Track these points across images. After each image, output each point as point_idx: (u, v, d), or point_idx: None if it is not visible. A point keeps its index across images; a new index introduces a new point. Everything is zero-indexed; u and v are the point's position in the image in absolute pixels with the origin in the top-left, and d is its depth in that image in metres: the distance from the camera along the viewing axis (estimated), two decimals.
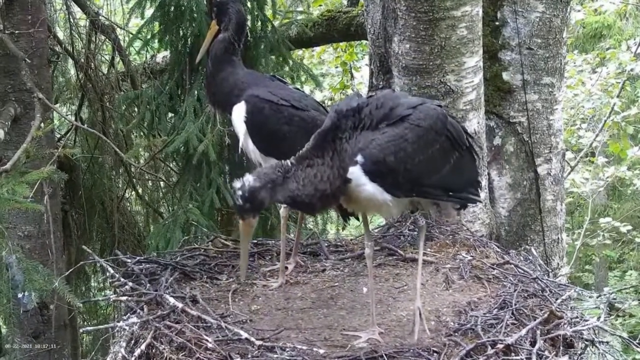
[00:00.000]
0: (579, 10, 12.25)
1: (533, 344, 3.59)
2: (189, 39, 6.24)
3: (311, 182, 3.51)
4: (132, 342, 3.84)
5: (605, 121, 11.36)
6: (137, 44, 6.86)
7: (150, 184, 7.58)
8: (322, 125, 4.32)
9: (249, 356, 3.51)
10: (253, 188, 3.47)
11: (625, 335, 4.36)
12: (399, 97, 3.77)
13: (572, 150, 12.16)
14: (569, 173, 11.31)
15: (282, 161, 3.54)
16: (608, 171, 12.07)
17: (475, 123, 4.88)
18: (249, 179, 3.48)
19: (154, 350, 3.70)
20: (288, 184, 3.52)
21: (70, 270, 5.54)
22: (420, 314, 3.75)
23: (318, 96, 10.28)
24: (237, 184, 3.48)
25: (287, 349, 3.54)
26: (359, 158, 3.53)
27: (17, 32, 5.93)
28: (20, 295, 5.46)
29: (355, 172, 3.54)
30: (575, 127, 12.25)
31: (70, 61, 7.27)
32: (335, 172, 3.52)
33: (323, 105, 4.66)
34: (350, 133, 3.57)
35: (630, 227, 12.40)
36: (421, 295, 4.11)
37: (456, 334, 3.72)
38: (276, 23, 7.13)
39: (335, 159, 3.53)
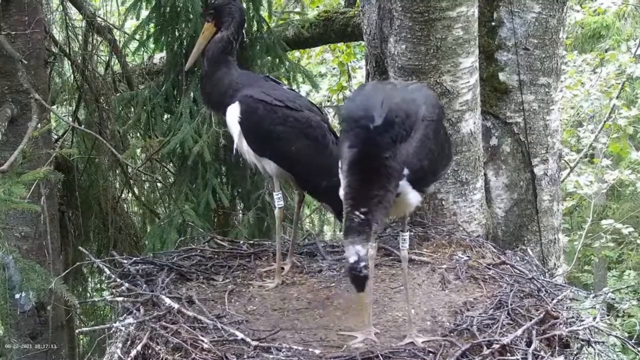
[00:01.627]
0: (578, 11, 12.26)
1: (529, 344, 3.60)
2: (184, 40, 6.25)
3: (383, 214, 3.46)
4: (128, 342, 3.85)
5: (605, 122, 11.37)
6: (134, 44, 6.86)
7: (147, 185, 7.58)
8: (316, 125, 4.35)
9: (245, 357, 3.52)
10: (365, 260, 3.38)
11: (621, 335, 4.36)
12: (406, 91, 3.74)
13: (572, 150, 12.18)
14: (569, 173, 11.32)
15: (355, 214, 3.37)
16: (612, 174, 12.07)
17: (471, 123, 4.89)
18: (352, 256, 3.33)
19: (150, 351, 3.70)
20: (372, 229, 3.44)
21: (67, 270, 5.54)
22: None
23: (316, 97, 10.27)
24: (350, 260, 3.33)
25: (283, 350, 3.54)
26: (405, 171, 3.53)
27: (13, 33, 5.93)
28: (17, 296, 5.47)
29: (403, 185, 3.55)
30: (575, 128, 12.27)
31: (67, 62, 7.26)
32: (393, 194, 3.50)
33: (317, 105, 4.66)
34: (393, 150, 3.47)
35: (632, 229, 12.41)
36: (417, 295, 4.13)
37: (452, 334, 3.73)
38: (273, 24, 7.14)
39: (392, 182, 3.47)
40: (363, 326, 3.78)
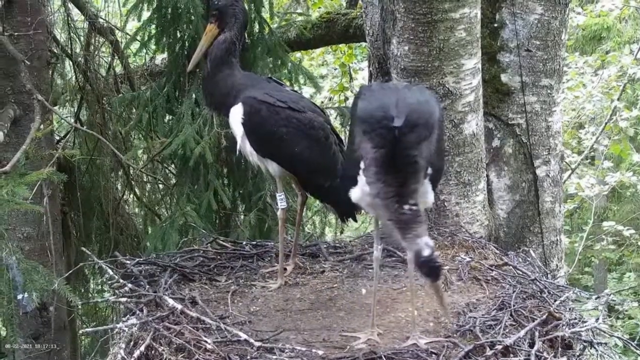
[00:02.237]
0: (579, 13, 12.26)
1: (532, 345, 3.60)
2: (186, 42, 6.26)
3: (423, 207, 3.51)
4: (132, 343, 3.84)
5: (606, 124, 11.37)
6: (136, 45, 6.87)
7: (149, 186, 7.58)
8: (319, 127, 4.35)
9: (248, 357, 3.52)
10: (435, 248, 3.38)
11: (623, 337, 4.36)
12: (416, 92, 3.72)
13: (573, 152, 12.18)
14: (570, 175, 11.32)
15: (404, 208, 3.36)
16: (614, 176, 12.08)
17: (473, 125, 4.89)
18: (425, 248, 3.32)
19: (153, 352, 3.70)
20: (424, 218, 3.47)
21: (71, 271, 5.55)
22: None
23: (317, 98, 10.28)
24: (424, 253, 3.31)
25: (286, 350, 3.54)
26: (429, 170, 3.55)
27: (16, 34, 5.94)
28: (20, 297, 5.48)
29: (425, 184, 3.58)
30: (577, 130, 12.27)
31: (69, 63, 7.27)
32: None
33: (319, 107, 4.66)
34: (419, 150, 3.46)
35: (633, 231, 12.41)
36: (420, 296, 4.13)
37: (455, 335, 3.73)
38: (275, 25, 7.14)
39: (422, 180, 3.50)
40: (368, 326, 3.79)
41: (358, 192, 3.55)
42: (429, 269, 3.33)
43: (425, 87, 4.45)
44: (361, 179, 3.51)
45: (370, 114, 3.49)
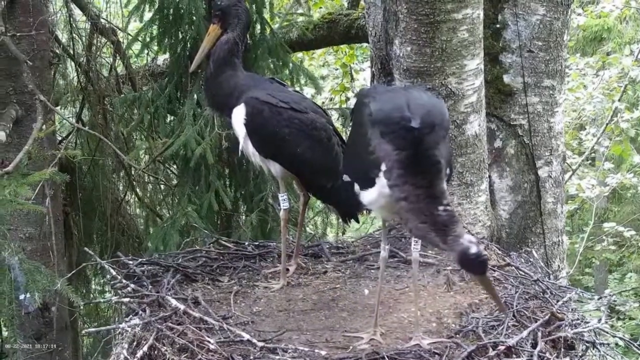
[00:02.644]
0: (579, 14, 12.27)
1: (534, 345, 3.60)
2: (188, 42, 6.26)
3: None
4: (134, 343, 3.85)
5: (607, 124, 11.38)
6: (137, 46, 6.88)
7: (150, 187, 7.59)
8: (321, 127, 4.36)
9: (251, 357, 3.52)
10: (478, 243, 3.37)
11: (623, 337, 4.36)
12: (423, 94, 3.73)
13: (574, 153, 12.18)
14: (570, 176, 11.33)
15: (439, 209, 3.35)
16: (615, 177, 12.08)
17: (476, 125, 4.89)
18: (471, 245, 3.30)
19: (156, 352, 3.70)
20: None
21: (73, 271, 5.55)
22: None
23: (318, 99, 10.28)
24: (472, 250, 3.29)
25: (289, 351, 3.55)
26: (447, 171, 3.55)
27: (18, 34, 5.93)
28: (22, 297, 5.47)
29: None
30: (577, 131, 12.28)
31: (71, 63, 7.27)
32: None
33: (321, 107, 4.66)
34: (439, 150, 3.48)
35: (633, 232, 12.42)
36: (422, 297, 4.13)
37: (458, 335, 3.74)
38: (276, 26, 7.14)
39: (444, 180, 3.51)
40: (370, 327, 3.79)
41: (373, 195, 3.52)
42: (479, 264, 3.31)
43: (426, 88, 4.45)
44: (380, 181, 3.47)
45: (387, 115, 3.48)
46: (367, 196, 3.59)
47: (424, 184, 3.37)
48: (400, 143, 3.40)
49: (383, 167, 3.44)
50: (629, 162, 12.86)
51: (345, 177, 3.93)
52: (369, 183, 3.54)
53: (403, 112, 3.45)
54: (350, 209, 4.56)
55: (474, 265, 3.32)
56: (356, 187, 3.71)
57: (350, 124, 4.00)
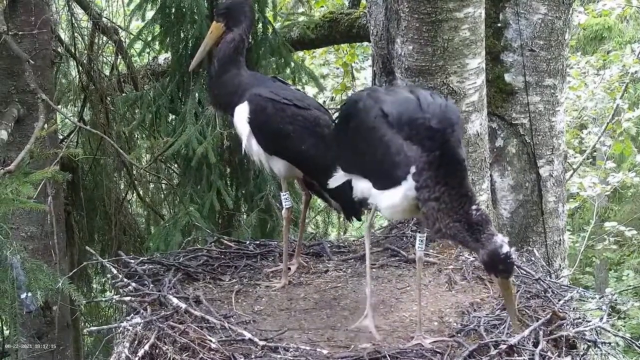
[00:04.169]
0: (580, 12, 12.26)
1: (536, 344, 3.60)
2: (189, 42, 6.26)
3: None
4: (136, 342, 3.85)
5: (609, 123, 11.38)
6: (139, 45, 6.87)
7: (152, 186, 7.59)
8: (325, 124, 4.35)
9: (253, 356, 3.52)
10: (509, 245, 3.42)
11: (624, 336, 4.36)
12: (432, 94, 3.70)
13: (576, 152, 12.18)
14: (572, 175, 11.33)
15: (472, 209, 3.41)
16: (616, 176, 12.08)
17: (477, 124, 4.89)
18: (503, 244, 3.36)
19: (157, 351, 3.70)
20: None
21: (74, 270, 5.54)
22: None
23: (319, 98, 10.28)
24: (504, 249, 3.35)
25: (291, 350, 3.55)
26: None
27: (20, 33, 5.93)
28: (23, 296, 5.47)
29: None
30: (579, 130, 12.27)
31: (73, 62, 7.27)
32: None
33: (323, 106, 4.66)
34: (462, 149, 3.54)
35: (635, 232, 12.42)
36: (424, 296, 4.13)
37: (459, 334, 3.74)
38: (278, 25, 7.14)
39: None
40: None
41: (397, 197, 3.54)
42: (507, 264, 3.36)
43: (426, 88, 4.45)
44: (407, 183, 3.49)
45: (410, 117, 3.50)
46: (387, 198, 3.59)
47: (455, 184, 3.41)
48: (428, 144, 3.44)
49: (413, 170, 3.46)
50: (630, 161, 12.85)
51: (339, 176, 3.97)
52: (391, 184, 3.55)
53: (424, 114, 3.48)
54: (353, 206, 4.55)
55: (503, 263, 3.36)
56: (361, 188, 3.74)
57: (342, 128, 3.92)
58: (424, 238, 3.82)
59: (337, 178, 4.02)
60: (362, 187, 3.76)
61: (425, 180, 3.43)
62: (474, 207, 3.39)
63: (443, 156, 3.43)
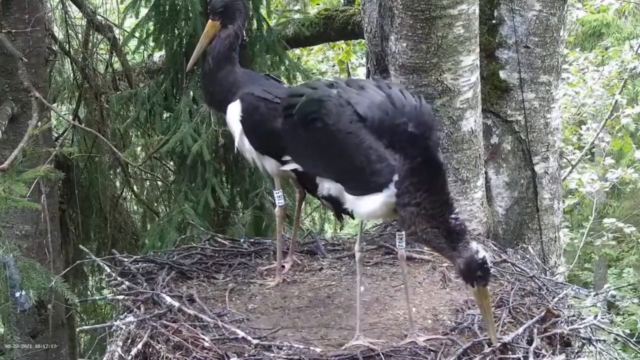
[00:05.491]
0: (578, 8, 12.25)
1: (530, 342, 3.59)
2: (184, 39, 6.24)
3: None
4: (129, 341, 3.85)
5: (607, 119, 11.38)
6: (134, 43, 6.86)
7: (147, 184, 7.57)
8: None
9: (246, 355, 3.51)
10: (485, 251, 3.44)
11: (622, 333, 4.35)
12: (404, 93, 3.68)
13: (575, 148, 12.17)
14: (570, 171, 11.32)
15: (452, 217, 3.42)
16: (615, 172, 12.08)
17: (472, 122, 4.88)
18: (480, 250, 3.40)
19: (150, 350, 3.70)
20: None
21: (68, 269, 5.54)
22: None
23: None
24: (480, 255, 3.38)
25: (284, 348, 3.54)
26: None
27: (14, 31, 5.92)
28: (17, 295, 5.46)
29: None
30: (578, 126, 12.27)
31: (67, 60, 7.25)
32: None
33: None
34: (440, 153, 3.59)
35: (634, 228, 12.42)
36: (418, 293, 4.12)
37: (453, 332, 3.73)
38: (273, 22, 7.12)
39: None
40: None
41: (376, 203, 3.52)
42: (485, 270, 3.39)
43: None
44: (389, 190, 3.47)
45: (389, 124, 3.48)
46: (366, 205, 3.58)
47: (436, 190, 3.41)
48: (409, 151, 3.43)
49: (395, 178, 3.44)
50: (629, 157, 12.85)
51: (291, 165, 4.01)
52: (370, 190, 3.53)
53: (402, 117, 3.46)
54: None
55: (481, 269, 3.37)
56: (328, 188, 3.75)
57: (302, 124, 3.78)
58: (403, 236, 3.80)
59: (289, 165, 4.04)
60: (328, 187, 3.74)
61: (407, 187, 3.42)
62: (452, 215, 3.40)
63: (424, 162, 3.42)
